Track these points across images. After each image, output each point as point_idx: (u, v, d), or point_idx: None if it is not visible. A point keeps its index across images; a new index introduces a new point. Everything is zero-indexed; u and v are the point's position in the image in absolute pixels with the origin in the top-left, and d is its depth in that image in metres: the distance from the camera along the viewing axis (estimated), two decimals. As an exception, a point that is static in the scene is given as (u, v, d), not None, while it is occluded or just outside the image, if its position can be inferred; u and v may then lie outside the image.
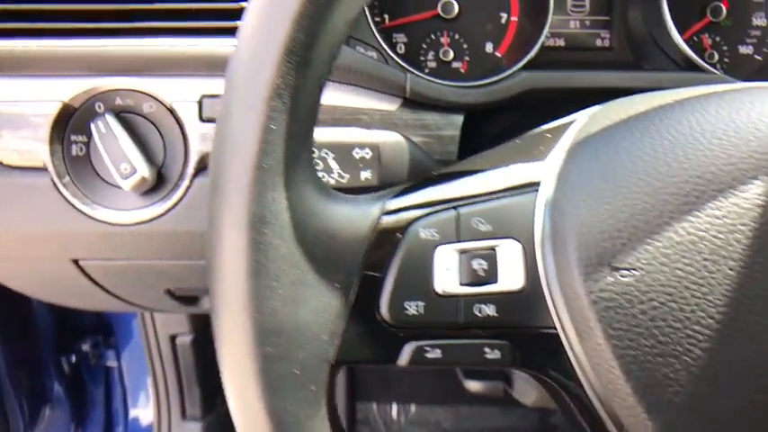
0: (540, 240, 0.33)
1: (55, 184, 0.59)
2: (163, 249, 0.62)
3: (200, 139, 0.58)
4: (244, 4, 0.58)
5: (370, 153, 0.48)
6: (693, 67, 0.68)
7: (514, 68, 0.66)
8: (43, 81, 0.58)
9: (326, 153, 0.46)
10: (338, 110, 0.59)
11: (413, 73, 0.61)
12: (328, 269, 0.32)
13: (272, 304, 0.31)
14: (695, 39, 0.77)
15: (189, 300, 0.74)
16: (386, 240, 0.34)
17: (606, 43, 0.78)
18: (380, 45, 0.65)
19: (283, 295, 0.31)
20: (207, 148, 0.58)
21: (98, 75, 0.58)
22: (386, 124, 0.60)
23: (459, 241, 0.34)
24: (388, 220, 0.34)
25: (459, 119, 0.63)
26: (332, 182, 0.47)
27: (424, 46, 0.73)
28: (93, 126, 0.58)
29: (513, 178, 0.36)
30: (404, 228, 0.34)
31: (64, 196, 0.59)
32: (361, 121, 0.60)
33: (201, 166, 0.59)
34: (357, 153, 0.47)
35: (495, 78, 0.64)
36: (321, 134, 0.47)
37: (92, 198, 0.59)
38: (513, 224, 0.34)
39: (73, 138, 0.59)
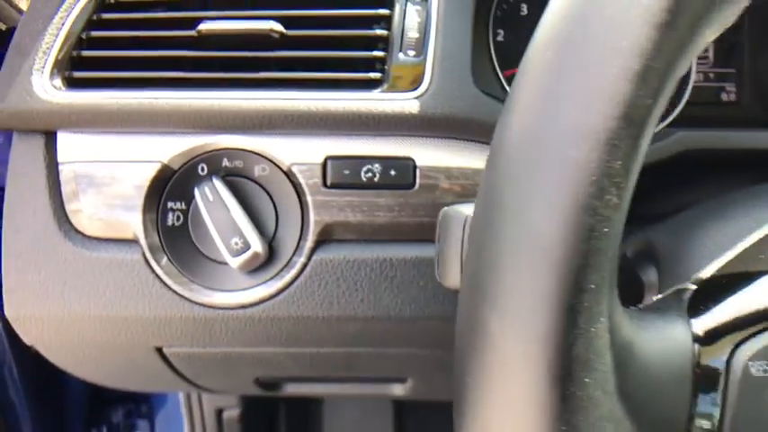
0: None
1: (147, 260, 0.49)
2: (267, 337, 0.52)
3: (322, 207, 0.49)
4: (381, 54, 0.50)
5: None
6: None
7: (661, 126, 0.59)
8: (138, 139, 0.49)
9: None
10: (476, 172, 0.50)
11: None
12: (654, 428, 0.23)
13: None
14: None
15: (272, 386, 0.64)
16: (710, 381, 0.25)
17: (732, 97, 0.71)
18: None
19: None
20: (330, 219, 0.49)
21: (202, 132, 0.49)
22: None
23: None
24: (705, 353, 0.25)
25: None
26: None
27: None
28: (197, 192, 0.49)
29: None
30: (726, 361, 0.25)
31: (156, 274, 0.49)
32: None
33: (322, 239, 0.50)
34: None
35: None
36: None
37: (189, 276, 0.50)
38: None
39: (170, 205, 0.50)
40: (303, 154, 0.49)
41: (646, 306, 0.29)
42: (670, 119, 0.59)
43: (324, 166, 0.49)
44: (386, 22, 0.51)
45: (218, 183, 0.49)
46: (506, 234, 0.23)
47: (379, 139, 0.50)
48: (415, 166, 0.49)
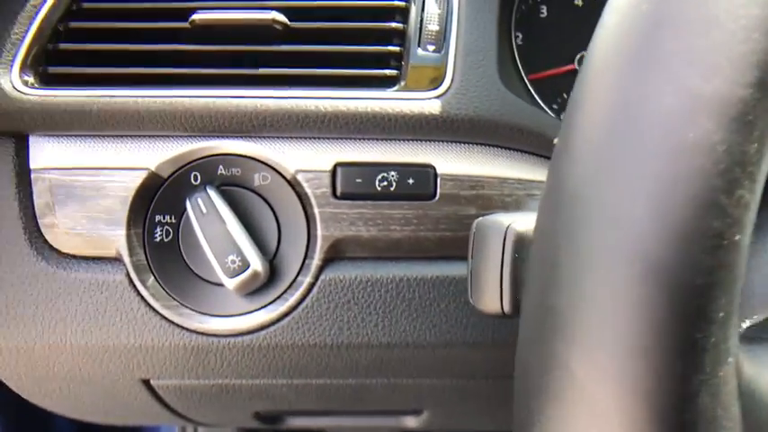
0: None
1: (131, 281, 0.43)
2: (268, 367, 0.46)
3: (331, 221, 0.43)
4: (396, 49, 0.45)
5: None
6: None
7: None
8: (122, 143, 0.43)
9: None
10: (508, 182, 0.45)
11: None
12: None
13: None
14: None
15: (273, 419, 0.58)
16: None
17: None
18: (537, 102, 0.52)
19: None
20: (340, 233, 0.43)
21: (195, 136, 0.44)
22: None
23: None
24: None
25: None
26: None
27: (560, 101, 0.60)
28: (189, 204, 0.43)
29: None
30: None
31: (142, 296, 0.43)
32: (531, 195, 0.46)
33: (330, 257, 0.44)
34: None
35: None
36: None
37: (179, 299, 0.44)
38: None
39: (158, 218, 0.44)
40: (309, 160, 0.44)
41: (747, 332, 0.23)
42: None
43: (333, 173, 0.43)
44: (401, 14, 0.46)
45: (212, 193, 0.43)
46: (594, 247, 0.17)
47: (394, 145, 0.44)
48: (435, 175, 0.44)
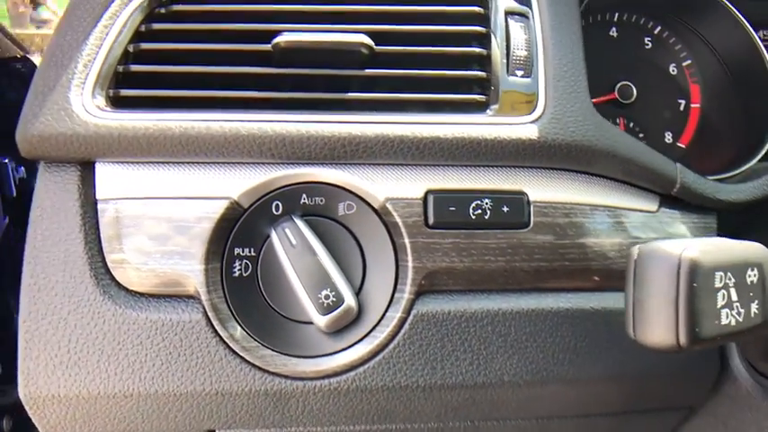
0: None
1: (209, 321, 0.39)
2: (353, 412, 0.42)
3: (423, 251, 0.41)
4: (482, 74, 0.43)
5: (756, 275, 0.33)
6: None
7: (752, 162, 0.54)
8: (199, 171, 0.40)
9: (730, 278, 0.30)
10: (594, 208, 0.44)
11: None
12: None
13: None
14: None
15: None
16: None
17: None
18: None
19: None
20: (432, 265, 0.41)
21: (277, 163, 0.41)
22: (644, 227, 0.45)
23: None
24: None
25: (713, 221, 0.49)
26: (730, 322, 0.31)
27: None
28: (275, 235, 0.40)
29: None
30: None
31: (221, 338, 0.40)
32: (621, 224, 0.45)
33: (422, 290, 0.41)
34: (749, 276, 0.32)
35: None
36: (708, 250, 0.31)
37: (260, 340, 0.40)
38: None
39: (237, 251, 0.40)
40: (399, 188, 0.41)
41: None
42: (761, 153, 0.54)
43: (425, 201, 0.41)
44: (481, 40, 0.45)
45: (300, 223, 0.40)
46: None
47: (485, 172, 0.42)
48: (528, 202, 0.42)
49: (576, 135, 0.42)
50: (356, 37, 0.42)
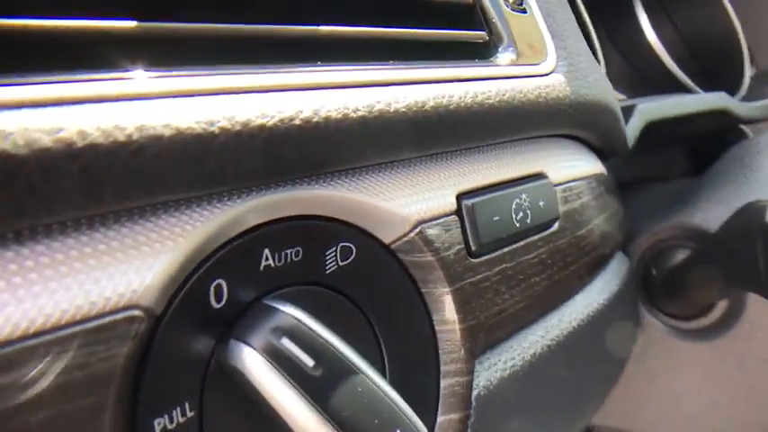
0: None
1: None
2: None
3: (472, 297, 0.24)
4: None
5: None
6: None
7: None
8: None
9: None
10: (591, 180, 0.34)
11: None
12: None
13: None
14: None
15: None
16: None
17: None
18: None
19: None
20: (487, 316, 0.25)
21: (196, 199, 0.18)
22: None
23: None
24: None
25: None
26: None
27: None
28: (241, 358, 0.18)
29: None
30: None
31: None
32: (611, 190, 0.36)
33: (475, 358, 0.25)
34: None
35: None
36: None
37: None
38: None
39: (157, 423, 0.17)
40: (421, 199, 0.23)
41: None
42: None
43: (459, 214, 0.24)
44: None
45: (300, 315, 0.19)
46: None
47: (504, 150, 0.28)
48: (553, 187, 0.29)
49: (594, 89, 0.31)
50: None
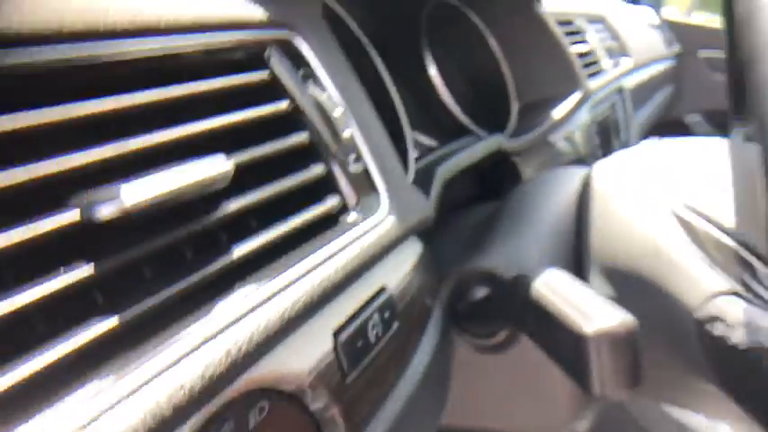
0: None
1: None
2: None
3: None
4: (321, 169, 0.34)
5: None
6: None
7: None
8: None
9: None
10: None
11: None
12: None
13: None
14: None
15: None
16: None
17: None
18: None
19: None
20: None
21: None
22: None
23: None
24: None
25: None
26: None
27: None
28: None
29: None
30: None
31: None
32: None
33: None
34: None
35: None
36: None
37: None
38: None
39: None
40: (305, 347, 0.31)
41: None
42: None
43: (336, 350, 0.32)
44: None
45: None
46: None
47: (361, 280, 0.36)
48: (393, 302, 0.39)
49: (418, 215, 0.40)
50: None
